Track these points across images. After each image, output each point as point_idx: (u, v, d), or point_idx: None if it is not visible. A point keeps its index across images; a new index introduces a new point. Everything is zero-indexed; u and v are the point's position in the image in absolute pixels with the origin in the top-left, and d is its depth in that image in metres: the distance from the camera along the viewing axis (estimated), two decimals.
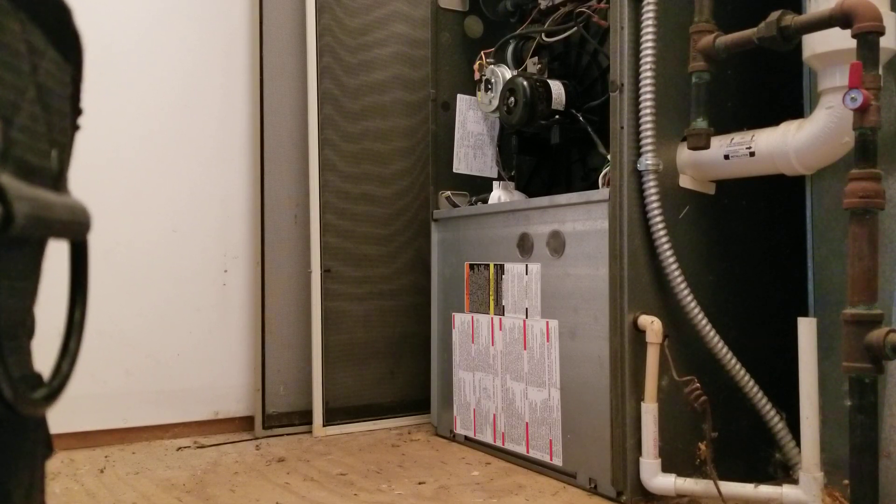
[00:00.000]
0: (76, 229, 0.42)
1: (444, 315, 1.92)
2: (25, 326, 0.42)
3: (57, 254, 0.46)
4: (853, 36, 1.07)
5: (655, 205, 1.36)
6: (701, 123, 1.28)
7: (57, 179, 0.43)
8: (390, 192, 2.11)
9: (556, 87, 1.66)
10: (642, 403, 1.35)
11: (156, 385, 1.91)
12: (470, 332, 1.80)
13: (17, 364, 0.40)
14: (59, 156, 0.42)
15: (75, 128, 0.47)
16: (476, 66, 1.84)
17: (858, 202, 1.05)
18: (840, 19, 1.08)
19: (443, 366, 1.92)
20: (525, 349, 1.62)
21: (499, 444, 1.70)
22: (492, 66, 1.79)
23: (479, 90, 1.83)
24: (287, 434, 1.96)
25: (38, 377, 0.44)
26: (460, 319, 1.84)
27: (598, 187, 1.48)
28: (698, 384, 1.29)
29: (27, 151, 0.37)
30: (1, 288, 0.36)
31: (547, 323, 1.55)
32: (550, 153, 1.83)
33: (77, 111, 0.47)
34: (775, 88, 1.53)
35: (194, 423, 1.95)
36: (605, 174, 1.46)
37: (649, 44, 1.36)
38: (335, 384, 1.99)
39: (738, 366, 1.36)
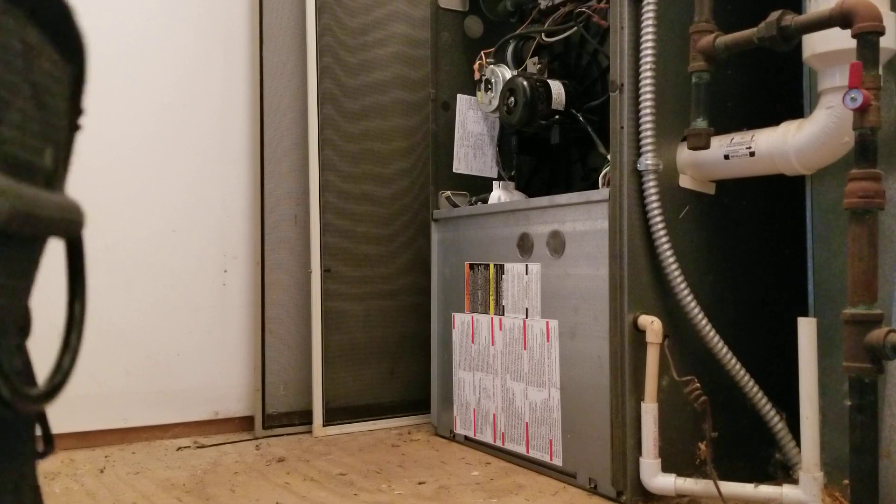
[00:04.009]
0: (67, 227, 0.42)
1: (444, 315, 1.92)
2: (18, 324, 0.42)
3: (53, 253, 0.46)
4: (853, 36, 1.07)
5: (655, 205, 1.36)
6: (701, 123, 1.27)
7: (51, 178, 0.42)
8: (390, 192, 2.11)
9: (556, 87, 1.66)
10: (642, 403, 1.35)
11: (156, 385, 1.91)
12: (470, 332, 1.80)
13: (9, 361, 0.40)
14: (55, 154, 0.42)
15: (76, 128, 0.47)
16: (476, 66, 1.84)
17: (858, 202, 1.05)
18: (840, 19, 1.08)
19: (443, 366, 1.92)
20: (525, 349, 1.62)
21: (499, 444, 1.70)
22: (492, 66, 1.79)
23: (479, 90, 1.83)
24: (287, 434, 1.96)
25: (33, 375, 0.44)
26: (460, 319, 1.84)
27: (598, 187, 1.48)
28: (698, 384, 1.29)
29: (18, 148, 0.37)
30: None
31: (547, 323, 1.55)
32: (550, 153, 1.83)
33: (77, 111, 0.47)
34: (775, 88, 1.53)
35: (194, 423, 1.95)
36: (605, 174, 1.46)
37: (649, 44, 1.36)
38: (335, 384, 1.99)
39: (738, 366, 1.36)
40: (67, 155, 0.46)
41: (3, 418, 0.40)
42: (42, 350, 0.49)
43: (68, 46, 0.44)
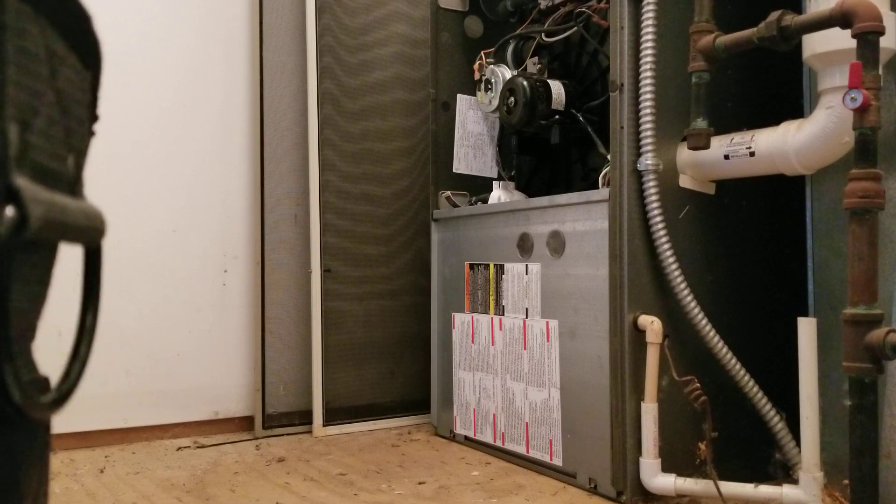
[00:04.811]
0: (91, 234, 0.42)
1: (444, 315, 1.92)
2: (33, 330, 0.42)
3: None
4: (853, 36, 1.07)
5: (655, 205, 1.36)
6: (701, 123, 1.28)
7: (73, 184, 0.43)
8: (390, 192, 2.11)
9: (556, 87, 1.67)
10: (642, 403, 1.35)
11: (156, 385, 1.91)
12: (470, 332, 1.81)
13: (26, 367, 0.40)
14: (76, 161, 0.42)
15: (91, 134, 0.47)
16: (476, 66, 1.84)
17: (858, 202, 1.06)
18: (840, 19, 1.09)
19: (443, 366, 1.92)
20: (525, 349, 1.62)
21: (499, 444, 1.71)
22: (492, 66, 1.79)
23: (479, 90, 1.83)
24: (287, 434, 1.96)
25: (46, 381, 0.44)
26: (460, 319, 1.85)
27: (598, 187, 1.48)
28: (698, 384, 1.29)
29: (44, 155, 0.37)
30: (15, 291, 0.36)
31: (547, 323, 1.56)
32: (550, 153, 1.83)
33: (93, 118, 0.47)
34: (775, 88, 1.53)
35: (194, 423, 1.95)
36: (605, 174, 1.46)
37: (649, 44, 1.36)
38: (335, 384, 1.99)
39: (738, 366, 1.36)
40: (84, 161, 0.46)
41: (35, 424, 0.40)
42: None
43: (87, 53, 0.44)
